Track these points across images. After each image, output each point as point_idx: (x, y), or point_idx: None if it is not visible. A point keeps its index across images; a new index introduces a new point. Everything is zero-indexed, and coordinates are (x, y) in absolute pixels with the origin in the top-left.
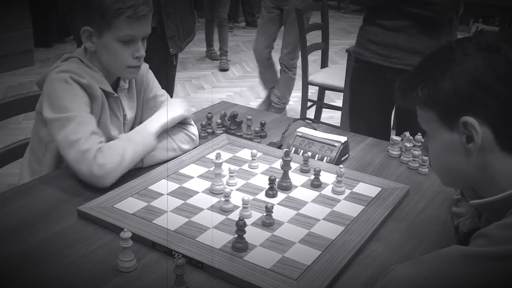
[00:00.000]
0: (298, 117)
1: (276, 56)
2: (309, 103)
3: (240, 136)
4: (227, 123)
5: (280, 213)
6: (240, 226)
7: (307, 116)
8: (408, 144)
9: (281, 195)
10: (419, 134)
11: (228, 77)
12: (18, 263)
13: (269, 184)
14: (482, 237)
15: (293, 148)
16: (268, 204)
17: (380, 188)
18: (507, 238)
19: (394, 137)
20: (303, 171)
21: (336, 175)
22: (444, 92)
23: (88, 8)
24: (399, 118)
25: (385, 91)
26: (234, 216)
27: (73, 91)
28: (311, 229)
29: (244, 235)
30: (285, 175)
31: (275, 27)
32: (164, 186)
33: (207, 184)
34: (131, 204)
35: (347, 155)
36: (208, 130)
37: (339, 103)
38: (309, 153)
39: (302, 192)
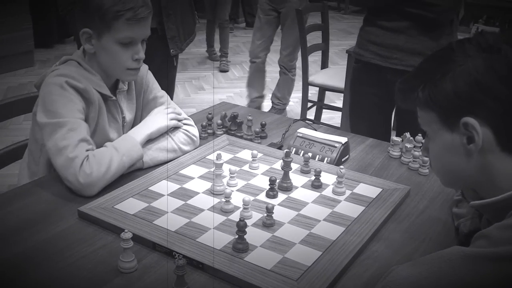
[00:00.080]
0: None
1: (273, 59)
2: (309, 104)
3: (241, 137)
4: (227, 124)
5: (281, 213)
6: (241, 227)
7: (307, 117)
8: (408, 145)
9: (281, 196)
10: (420, 135)
11: (228, 78)
12: (19, 263)
13: (269, 184)
14: (482, 238)
15: (294, 149)
16: (268, 205)
17: (381, 189)
18: (508, 239)
19: (394, 138)
20: (304, 172)
21: (336, 176)
22: (444, 93)
23: (87, 10)
24: (400, 119)
25: (385, 92)
26: (235, 217)
27: (67, 97)
28: (312, 229)
29: (245, 236)
30: (286, 176)
31: (272, 29)
32: (164, 186)
33: (207, 184)
34: (131, 205)
35: (347, 156)
36: (209, 131)
37: (339, 104)
38: (310, 154)
39: (302, 193)
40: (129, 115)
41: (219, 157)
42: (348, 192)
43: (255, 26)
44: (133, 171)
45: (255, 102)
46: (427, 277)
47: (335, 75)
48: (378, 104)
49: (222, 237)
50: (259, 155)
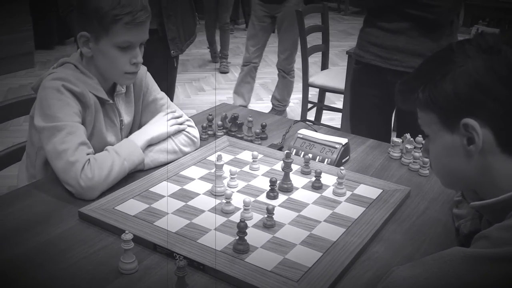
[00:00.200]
0: (299, 119)
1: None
2: (309, 105)
3: (241, 138)
4: (228, 125)
5: (281, 215)
6: (241, 228)
7: (307, 118)
8: (408, 146)
9: (282, 197)
10: (420, 136)
11: (229, 79)
12: (20, 264)
13: (270, 186)
14: (483, 238)
15: (294, 150)
16: (269, 206)
17: (381, 190)
18: (508, 240)
19: (394, 139)
20: (304, 173)
21: (337, 177)
22: (444, 94)
23: (85, 13)
24: (400, 120)
25: (385, 93)
26: (235, 218)
27: (64, 100)
28: (312, 231)
29: (245, 237)
30: (286, 177)
31: (267, 35)
32: (165, 188)
33: (208, 186)
34: (132, 206)
35: (348, 157)
36: (209, 132)
37: (339, 105)
38: (310, 155)
39: (303, 194)
40: (127, 118)
41: (219, 158)
42: (348, 193)
43: (248, 33)
44: (134, 172)
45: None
46: (427, 278)
47: (335, 76)
48: (378, 105)
49: (223, 238)
50: (260, 156)
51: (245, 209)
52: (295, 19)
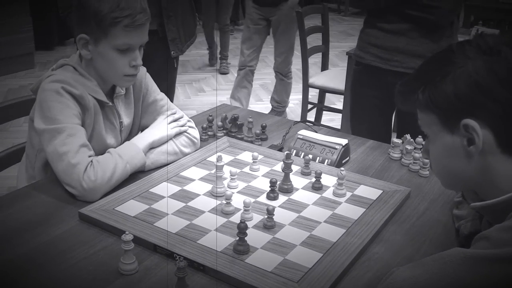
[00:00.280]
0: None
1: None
2: (309, 106)
3: (241, 139)
4: (228, 125)
5: (281, 215)
6: (242, 229)
7: (307, 119)
8: (408, 147)
9: (282, 198)
10: (420, 136)
11: (229, 80)
12: (21, 265)
13: (270, 186)
14: (483, 239)
15: (294, 151)
16: (269, 207)
17: (381, 191)
18: (508, 241)
19: (395, 139)
20: (304, 173)
21: (337, 178)
22: (445, 95)
23: (84, 15)
24: (400, 120)
25: (386, 94)
26: (236, 218)
27: (64, 102)
28: (312, 231)
29: (246, 238)
30: (286, 178)
31: (262, 38)
32: (165, 188)
33: (208, 186)
34: (132, 207)
35: (348, 158)
36: (209, 133)
37: (339, 105)
38: (310, 156)
39: (303, 195)
40: (126, 120)
41: (219, 159)
42: (348, 194)
43: (243, 36)
44: (134, 173)
45: None
46: (427, 279)
47: (335, 77)
48: (378, 106)
49: (223, 239)
50: (260, 157)
51: (245, 210)
52: (291, 22)
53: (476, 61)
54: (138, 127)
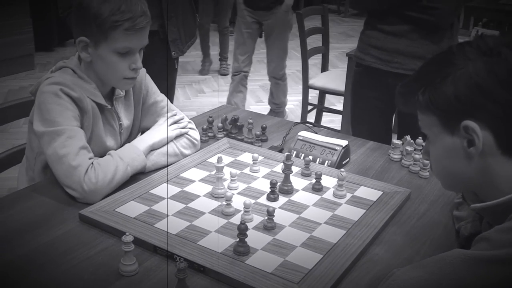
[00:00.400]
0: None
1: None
2: (309, 107)
3: (241, 140)
4: (228, 127)
5: (282, 217)
6: (242, 230)
7: (307, 120)
8: (409, 148)
9: (282, 199)
10: (420, 138)
11: (229, 81)
12: (22, 265)
13: (270, 188)
14: (483, 240)
15: (294, 152)
16: (269, 208)
17: (381, 192)
18: (508, 242)
19: (395, 141)
20: (304, 175)
21: (337, 179)
22: (445, 96)
23: (84, 18)
24: (400, 122)
25: (386, 96)
26: (236, 220)
27: (63, 105)
28: (313, 233)
29: (246, 239)
30: (287, 179)
31: (254, 41)
32: (165, 190)
33: (208, 188)
34: (132, 208)
35: (348, 159)
36: (209, 134)
37: (339, 107)
38: (310, 157)
39: (303, 196)
40: (126, 121)
41: (220, 160)
42: (348, 195)
43: (236, 41)
44: (134, 174)
45: None
46: (427, 280)
47: (335, 78)
48: (379, 108)
49: (223, 240)
50: (260, 158)
51: (245, 211)
52: (284, 25)
53: (476, 63)
54: (138, 128)
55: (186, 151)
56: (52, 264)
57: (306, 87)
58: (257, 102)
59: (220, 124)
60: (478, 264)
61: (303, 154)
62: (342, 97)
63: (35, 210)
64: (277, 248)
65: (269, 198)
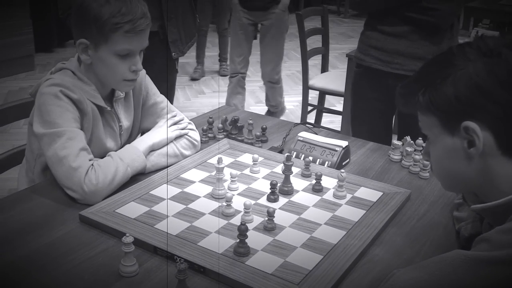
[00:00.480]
0: (299, 121)
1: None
2: (309, 108)
3: (241, 141)
4: (228, 127)
5: (282, 217)
6: (242, 231)
7: (307, 121)
8: (409, 149)
9: (282, 200)
10: (420, 138)
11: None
12: (23, 266)
13: (270, 188)
14: (484, 241)
15: (294, 153)
16: (269, 209)
17: (382, 193)
18: (508, 243)
19: (395, 141)
20: (305, 175)
21: (337, 180)
22: (445, 97)
23: (85, 20)
24: (400, 122)
25: (386, 97)
26: (236, 220)
27: (63, 106)
28: (313, 233)
29: (246, 240)
30: (287, 180)
31: (250, 43)
32: (165, 191)
33: (208, 188)
34: (132, 209)
35: (348, 160)
36: (209, 135)
37: (339, 107)
38: (310, 158)
39: (303, 197)
40: (126, 123)
41: (220, 161)
42: (348, 196)
43: (232, 44)
44: (134, 175)
45: None
46: (428, 281)
47: (335, 79)
48: (379, 109)
49: (224, 241)
50: (260, 159)
51: (245, 212)
52: (281, 26)
53: (477, 63)
54: (138, 129)
55: (186, 152)
56: (53, 265)
57: (306, 88)
58: (257, 103)
59: (220, 125)
60: (478, 265)
61: (303, 155)
62: (342, 98)
63: (35, 211)
64: (277, 249)
65: (269, 199)
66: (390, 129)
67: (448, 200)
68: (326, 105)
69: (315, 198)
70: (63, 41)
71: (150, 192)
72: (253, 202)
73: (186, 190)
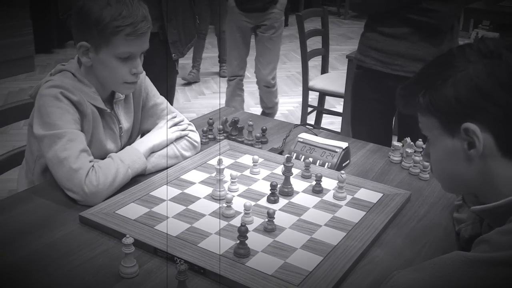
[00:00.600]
0: (299, 122)
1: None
2: (309, 109)
3: (242, 142)
4: (228, 129)
5: (282, 219)
6: (242, 232)
7: (307, 122)
8: (409, 150)
9: (282, 201)
10: (420, 140)
11: None
12: (23, 267)
13: (270, 190)
14: (483, 243)
15: (295, 154)
16: (269, 210)
17: (382, 194)
18: (509, 244)
19: (395, 143)
20: (305, 177)
21: (337, 181)
22: (445, 98)
23: (85, 23)
24: (401, 124)
25: (386, 98)
26: (236, 222)
27: (63, 108)
28: (313, 235)
29: (246, 241)
30: (287, 181)
31: (248, 45)
32: (165, 192)
33: (208, 190)
34: (133, 210)
35: (348, 161)
36: (210, 136)
37: (339, 108)
38: (311, 159)
39: (303, 198)
40: (126, 124)
41: (220, 162)
42: (349, 197)
43: (230, 46)
44: (134, 176)
45: None
46: (428, 282)
47: (335, 80)
48: (379, 110)
49: (224, 242)
50: (260, 160)
51: (245, 213)
52: (279, 27)
53: (477, 65)
54: (138, 131)
55: (187, 153)
56: (53, 266)
57: (306, 89)
58: (256, 104)
59: (220, 126)
60: (478, 266)
61: (303, 156)
62: (342, 99)
63: (35, 212)
64: (277, 250)
65: (269, 200)
66: (390, 131)
67: (448, 201)
68: (326, 106)
69: (315, 199)
70: (63, 42)
71: (150, 193)
72: (253, 203)
73: (186, 191)
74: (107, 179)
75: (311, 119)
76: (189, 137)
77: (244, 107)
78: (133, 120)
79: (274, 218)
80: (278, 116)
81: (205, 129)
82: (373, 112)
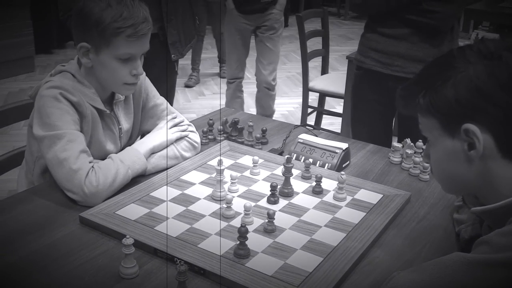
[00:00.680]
0: (299, 123)
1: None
2: (309, 110)
3: (242, 143)
4: (228, 129)
5: (282, 219)
6: (242, 233)
7: (307, 123)
8: (409, 151)
9: (282, 202)
10: (420, 140)
11: None
12: (23, 267)
13: (270, 190)
14: (483, 244)
15: (295, 155)
16: (269, 211)
17: (382, 195)
18: (508, 245)
19: (395, 143)
20: (305, 177)
21: (337, 182)
22: (445, 99)
23: (86, 24)
24: (401, 125)
25: (386, 99)
26: (236, 222)
27: (63, 108)
28: (313, 235)
29: (246, 242)
30: (287, 182)
31: (248, 47)
32: (165, 192)
33: (208, 190)
34: (133, 211)
35: (348, 162)
36: (210, 137)
37: (339, 109)
38: (311, 160)
39: (303, 199)
40: (126, 125)
41: (220, 163)
42: (349, 198)
43: (229, 48)
44: (135, 177)
45: None
46: (428, 283)
47: (335, 81)
48: (379, 111)
49: (224, 243)
50: (260, 161)
51: (245, 214)
52: (279, 28)
53: (477, 66)
54: (138, 132)
55: (187, 154)
56: (53, 266)
57: (306, 90)
58: None
59: (220, 127)
60: (478, 267)
61: (303, 157)
62: (342, 100)
63: (35, 213)
64: (277, 251)
65: (269, 201)
66: (390, 131)
67: (448, 202)
68: (326, 107)
69: (315, 200)
70: (63, 43)
71: (150, 194)
72: (253, 204)
73: (186, 192)
74: (107, 180)
75: (311, 120)
76: (189, 137)
77: (244, 108)
78: (133, 121)
79: (274, 219)
80: (278, 116)
81: (205, 129)
82: (373, 113)
